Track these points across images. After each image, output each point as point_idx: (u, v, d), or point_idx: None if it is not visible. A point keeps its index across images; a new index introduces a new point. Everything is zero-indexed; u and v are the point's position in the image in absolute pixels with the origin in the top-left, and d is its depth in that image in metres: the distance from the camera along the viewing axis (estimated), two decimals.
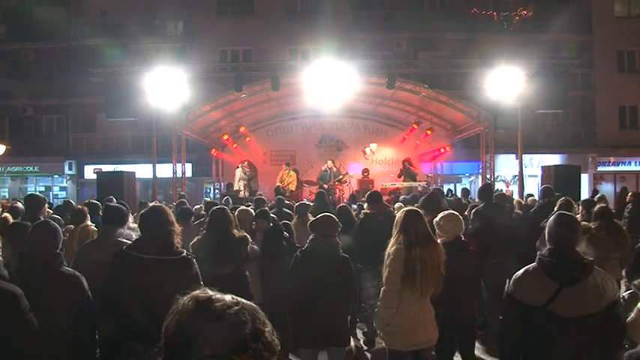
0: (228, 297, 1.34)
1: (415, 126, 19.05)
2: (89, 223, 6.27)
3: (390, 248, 4.25)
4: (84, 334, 3.56)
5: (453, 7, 23.98)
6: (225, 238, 4.80)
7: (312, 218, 7.63)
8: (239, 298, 1.35)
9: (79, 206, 6.79)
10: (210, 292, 1.35)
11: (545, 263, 3.15)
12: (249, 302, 1.35)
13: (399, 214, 4.45)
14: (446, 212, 4.89)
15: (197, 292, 1.36)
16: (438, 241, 4.63)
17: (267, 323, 1.33)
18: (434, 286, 4.22)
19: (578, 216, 6.57)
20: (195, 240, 4.87)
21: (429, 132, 19.10)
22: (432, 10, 24.43)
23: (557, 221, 3.23)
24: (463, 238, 4.81)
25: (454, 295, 4.39)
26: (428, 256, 4.17)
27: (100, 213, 7.49)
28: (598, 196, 10.64)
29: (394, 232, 4.33)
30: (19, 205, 7.44)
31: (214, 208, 5.31)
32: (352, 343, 6.21)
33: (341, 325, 4.57)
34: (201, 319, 1.28)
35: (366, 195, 7.77)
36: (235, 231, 4.95)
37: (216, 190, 19.76)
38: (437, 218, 4.80)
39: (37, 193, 24.46)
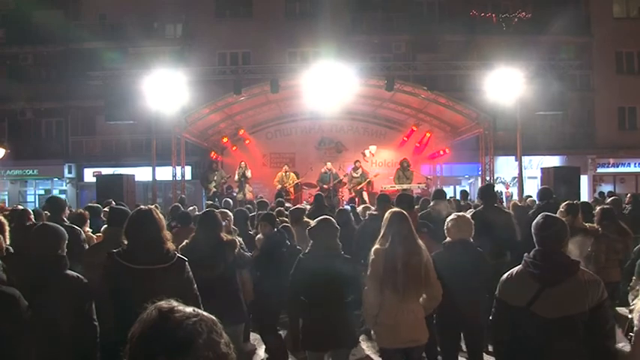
0: (189, 309, 1.45)
1: (414, 128, 19.08)
2: (87, 229, 6.27)
3: (373, 249, 4.34)
4: (85, 338, 3.53)
5: (452, 9, 23.99)
6: (213, 240, 4.79)
7: (308, 220, 7.67)
8: (200, 311, 1.46)
9: (80, 211, 6.79)
10: (175, 304, 1.46)
11: (529, 264, 3.20)
12: (209, 315, 1.46)
13: (385, 215, 4.49)
14: (456, 214, 4.94)
15: (162, 302, 1.47)
16: (447, 239, 4.69)
17: (224, 336, 1.44)
18: (419, 287, 4.25)
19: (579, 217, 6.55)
20: (183, 243, 4.86)
21: (428, 134, 19.13)
22: (431, 12, 24.46)
23: (542, 222, 3.25)
24: (471, 240, 4.82)
25: (456, 296, 4.41)
26: (409, 257, 4.21)
27: (102, 216, 7.53)
28: (612, 198, 10.32)
29: (381, 232, 4.39)
30: (19, 207, 7.46)
31: (204, 210, 5.32)
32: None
33: (346, 326, 4.58)
34: (161, 328, 1.39)
35: (376, 197, 7.92)
36: (224, 234, 4.95)
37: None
38: (447, 220, 4.89)
39: (37, 195, 24.59)
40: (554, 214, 3.49)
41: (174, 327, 1.38)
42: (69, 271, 3.61)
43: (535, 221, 3.30)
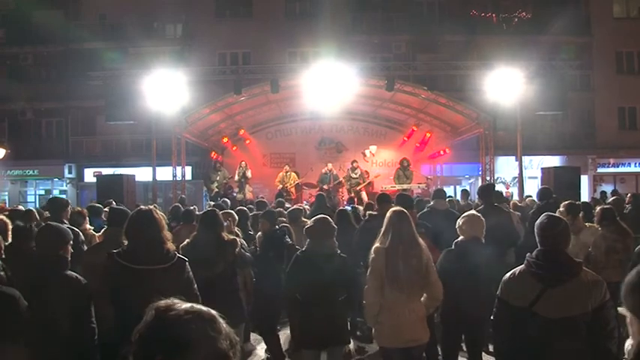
0: (187, 305, 1.43)
1: (415, 128, 19.08)
2: (88, 226, 6.27)
3: (373, 248, 4.34)
4: (84, 339, 3.53)
5: (452, 9, 23.98)
6: (214, 240, 4.81)
7: (307, 221, 7.68)
8: (199, 307, 1.44)
9: (79, 209, 6.79)
10: (174, 301, 1.45)
11: (532, 264, 3.18)
12: (208, 311, 1.44)
13: (387, 214, 4.50)
14: (468, 213, 4.96)
15: (161, 302, 1.46)
16: (460, 237, 4.68)
17: (224, 330, 1.42)
18: (420, 286, 4.26)
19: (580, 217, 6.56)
20: (185, 242, 4.89)
21: (428, 134, 19.13)
22: (431, 12, 24.45)
23: (545, 223, 3.25)
24: (482, 240, 4.82)
25: (463, 295, 4.41)
26: (410, 256, 4.22)
27: (103, 217, 7.53)
28: (613, 198, 10.27)
29: (382, 231, 4.39)
30: (21, 208, 7.46)
31: (206, 210, 5.35)
32: (352, 343, 6.20)
33: (342, 324, 4.60)
34: (157, 328, 1.39)
35: (377, 197, 7.89)
36: (224, 234, 4.97)
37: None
38: (459, 219, 4.91)
39: (37, 195, 24.58)
40: (557, 215, 3.49)
41: (169, 326, 1.38)
42: (69, 272, 3.61)
43: (538, 221, 3.29)
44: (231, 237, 5.08)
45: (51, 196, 21.72)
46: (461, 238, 4.81)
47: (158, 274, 3.53)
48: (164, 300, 1.46)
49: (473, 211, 5.18)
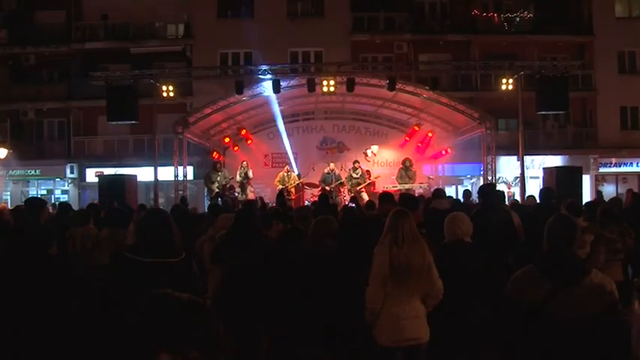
0: (184, 295, 1.45)
1: (416, 128, 19.09)
2: (92, 225, 6.31)
3: (376, 248, 4.36)
4: (81, 339, 3.56)
5: (454, 9, 23.99)
6: (249, 231, 5.08)
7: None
8: (194, 297, 1.46)
9: (83, 208, 6.82)
10: (170, 291, 1.47)
11: (540, 264, 3.17)
12: (202, 301, 1.48)
13: (389, 215, 4.51)
14: (452, 213, 4.94)
15: (157, 290, 1.48)
16: (446, 239, 4.69)
17: (216, 322, 1.47)
18: (421, 285, 4.27)
19: (581, 217, 6.55)
20: (222, 232, 5.24)
21: (430, 134, 19.13)
22: (433, 11, 24.47)
23: (555, 222, 3.25)
24: (468, 240, 4.80)
25: (450, 296, 4.41)
26: (413, 256, 4.23)
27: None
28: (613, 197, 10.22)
29: (384, 231, 4.41)
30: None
31: (241, 207, 5.66)
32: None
33: (345, 324, 4.61)
34: (156, 314, 1.40)
35: (379, 196, 7.88)
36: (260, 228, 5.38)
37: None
38: (445, 220, 4.88)
39: (38, 196, 24.59)
40: (568, 215, 3.49)
41: (170, 312, 1.39)
42: (62, 270, 3.67)
43: (549, 221, 3.28)
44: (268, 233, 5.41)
45: (50, 195, 21.79)
46: (446, 240, 4.80)
47: (165, 269, 3.59)
48: (163, 290, 1.46)
49: (455, 212, 5.14)
